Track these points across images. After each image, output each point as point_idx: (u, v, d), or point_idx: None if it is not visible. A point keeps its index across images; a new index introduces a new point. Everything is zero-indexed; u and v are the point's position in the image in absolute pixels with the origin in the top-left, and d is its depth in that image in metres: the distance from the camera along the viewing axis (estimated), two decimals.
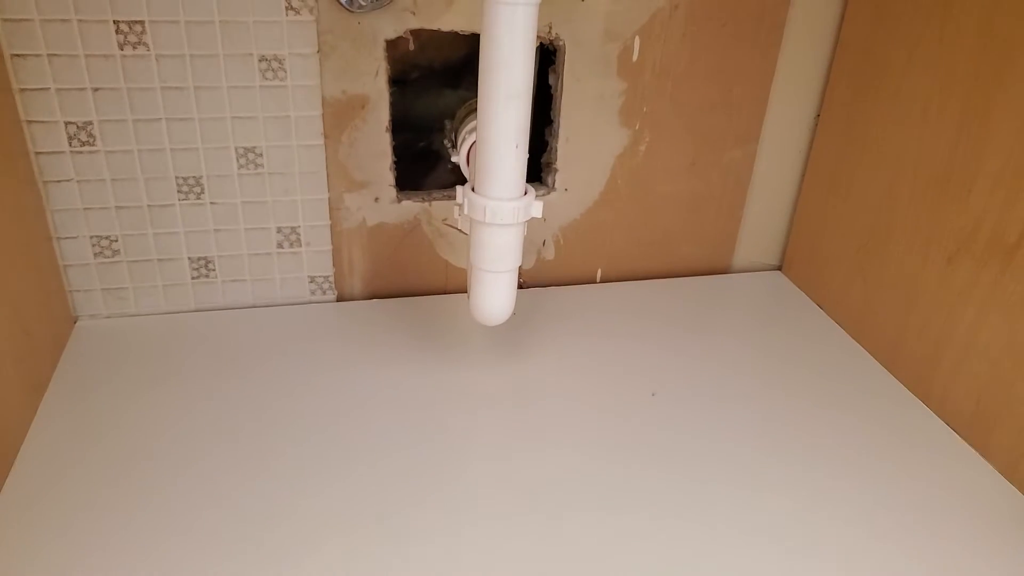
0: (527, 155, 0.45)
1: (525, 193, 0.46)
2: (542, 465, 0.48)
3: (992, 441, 0.50)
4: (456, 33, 0.58)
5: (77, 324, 0.60)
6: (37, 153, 0.54)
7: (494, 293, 0.48)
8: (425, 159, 0.73)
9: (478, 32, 0.58)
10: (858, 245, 0.62)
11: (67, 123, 0.53)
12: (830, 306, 0.67)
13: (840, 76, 0.63)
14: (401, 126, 0.62)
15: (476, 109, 0.61)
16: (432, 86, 0.73)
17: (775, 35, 0.63)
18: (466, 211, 0.46)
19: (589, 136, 0.64)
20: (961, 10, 0.51)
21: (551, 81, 0.62)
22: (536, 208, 0.46)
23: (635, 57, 0.61)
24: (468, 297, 0.52)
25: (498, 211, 0.45)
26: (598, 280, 0.71)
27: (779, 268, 0.75)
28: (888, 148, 0.58)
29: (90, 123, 0.54)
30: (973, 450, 0.51)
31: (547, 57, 0.63)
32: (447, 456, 0.48)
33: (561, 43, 0.60)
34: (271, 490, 0.45)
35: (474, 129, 0.56)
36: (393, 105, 0.60)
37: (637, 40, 0.60)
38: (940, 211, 0.53)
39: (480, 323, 0.51)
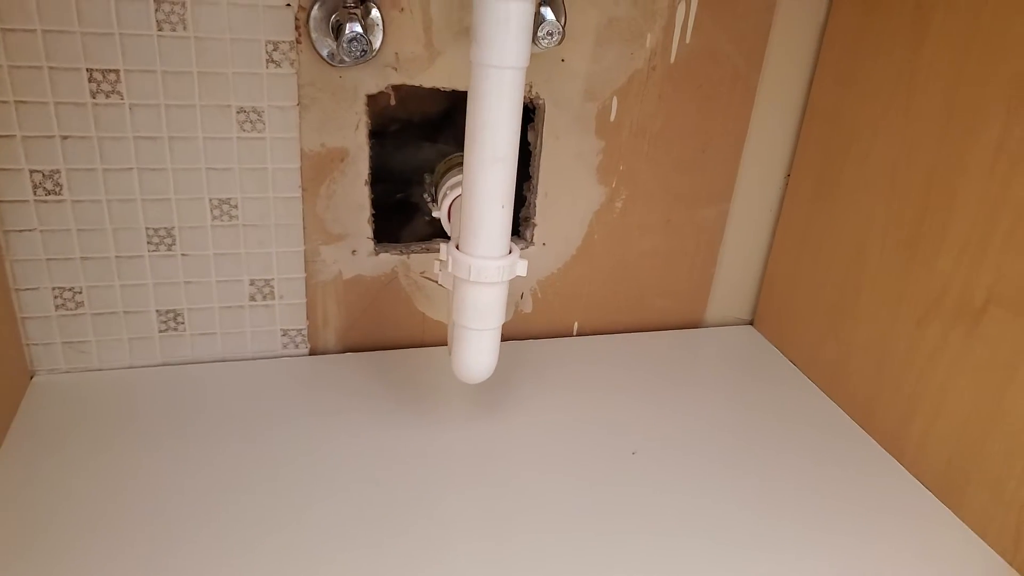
0: (512, 214, 0.45)
1: (510, 252, 0.46)
2: (519, 530, 0.47)
3: (965, 501, 0.51)
4: (436, 89, 0.58)
5: (34, 379, 0.57)
6: None
7: (477, 351, 0.47)
8: (402, 211, 0.73)
9: (458, 89, 0.59)
10: (829, 304, 0.63)
11: (32, 171, 0.52)
12: (803, 362, 0.67)
13: (809, 139, 0.66)
14: (378, 178, 0.61)
15: (456, 164, 0.61)
16: (410, 139, 0.73)
17: (747, 98, 0.65)
18: (450, 269, 0.46)
19: (567, 192, 0.64)
20: (926, 82, 0.53)
21: (530, 138, 0.63)
22: (521, 267, 0.46)
23: (613, 116, 0.62)
24: (450, 354, 0.51)
25: (483, 269, 0.44)
26: (575, 333, 0.71)
27: (751, 323, 0.76)
28: (857, 210, 0.60)
29: (57, 171, 0.52)
30: (947, 509, 0.52)
31: (527, 115, 0.63)
32: (422, 526, 0.47)
33: (541, 102, 0.60)
34: (237, 561, 0.43)
35: (456, 185, 0.56)
36: (371, 158, 0.59)
37: (615, 100, 0.62)
38: (909, 274, 0.55)
39: (462, 381, 0.50)
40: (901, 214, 0.55)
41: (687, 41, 0.61)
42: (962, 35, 0.50)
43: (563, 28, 0.50)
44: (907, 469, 0.55)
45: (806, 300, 0.67)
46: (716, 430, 0.58)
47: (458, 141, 0.74)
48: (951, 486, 0.52)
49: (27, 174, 0.52)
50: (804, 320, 0.67)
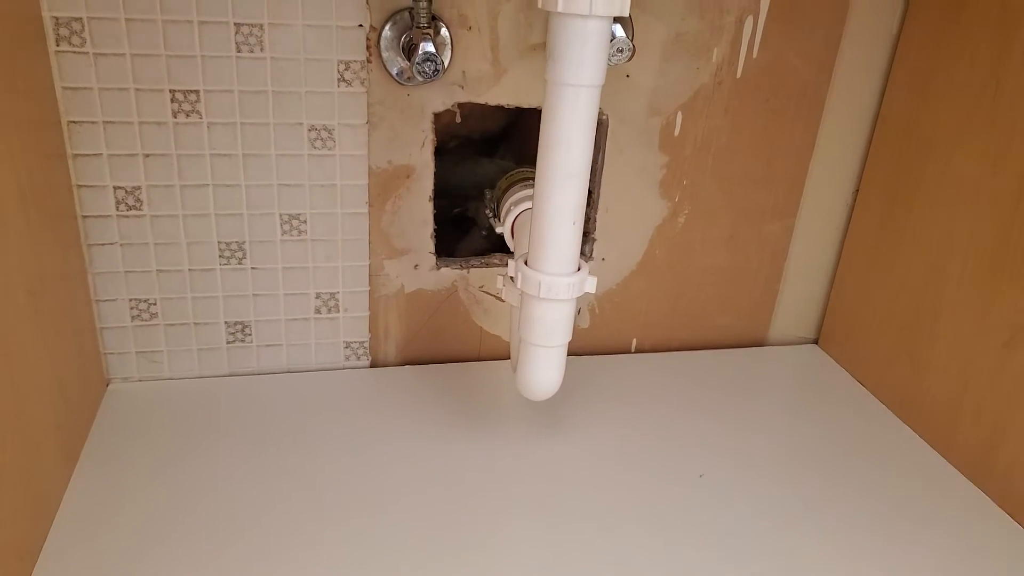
0: (582, 231, 0.45)
1: (579, 268, 0.46)
2: (578, 553, 0.46)
3: None
4: (500, 106, 0.59)
5: (109, 387, 0.59)
6: (84, 217, 0.54)
7: (544, 368, 0.47)
8: (459, 225, 0.73)
9: (523, 106, 0.59)
10: (902, 323, 0.61)
11: (116, 187, 0.54)
12: (872, 383, 0.65)
13: (880, 152, 0.64)
14: (437, 193, 0.62)
15: (519, 180, 0.62)
16: (469, 155, 0.74)
17: (815, 111, 0.63)
18: (519, 285, 0.46)
19: (629, 207, 0.64)
20: (1015, 88, 0.51)
21: (593, 153, 0.63)
22: (590, 283, 0.46)
23: (677, 131, 0.62)
24: (514, 371, 0.51)
25: (553, 286, 0.44)
26: (633, 350, 0.71)
27: (815, 342, 0.74)
28: (934, 227, 0.58)
29: (138, 188, 0.54)
30: None
31: None
32: (475, 544, 0.47)
33: (605, 117, 0.60)
34: (290, 566, 0.43)
35: (520, 200, 0.57)
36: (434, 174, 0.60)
37: (680, 115, 0.61)
38: (995, 295, 0.53)
39: (526, 398, 0.50)
40: (985, 230, 0.53)
41: (754, 55, 0.60)
42: None
43: (633, 44, 0.49)
44: (994, 500, 0.53)
45: (876, 319, 0.64)
46: (785, 454, 0.57)
47: (516, 156, 0.74)
48: None
49: (111, 190, 0.54)
50: (874, 340, 0.65)
